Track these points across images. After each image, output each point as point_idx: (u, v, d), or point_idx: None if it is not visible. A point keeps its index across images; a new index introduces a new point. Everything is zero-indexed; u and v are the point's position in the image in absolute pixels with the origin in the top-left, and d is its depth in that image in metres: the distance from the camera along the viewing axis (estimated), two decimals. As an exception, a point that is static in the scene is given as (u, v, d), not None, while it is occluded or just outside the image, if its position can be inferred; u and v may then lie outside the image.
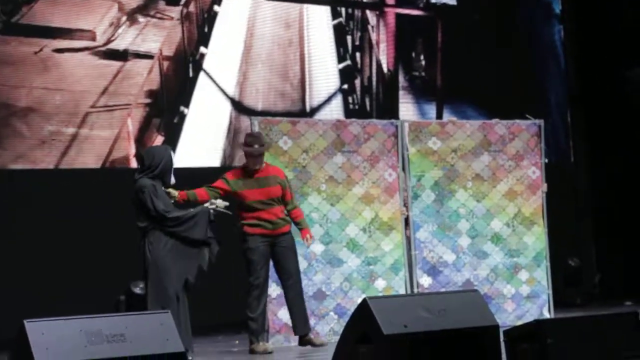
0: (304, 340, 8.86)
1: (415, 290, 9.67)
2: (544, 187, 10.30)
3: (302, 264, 9.32)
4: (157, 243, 8.03)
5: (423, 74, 13.32)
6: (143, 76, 11.57)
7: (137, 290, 10.60)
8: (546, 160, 10.44)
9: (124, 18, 11.54)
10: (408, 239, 9.82)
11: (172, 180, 8.24)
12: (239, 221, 8.72)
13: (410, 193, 9.84)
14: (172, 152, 8.34)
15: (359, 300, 7.15)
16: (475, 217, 10.12)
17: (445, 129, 10.12)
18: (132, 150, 11.42)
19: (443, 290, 9.73)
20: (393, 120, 10.13)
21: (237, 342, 9.63)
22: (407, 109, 13.07)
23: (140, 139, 11.47)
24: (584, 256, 13.55)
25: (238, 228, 8.73)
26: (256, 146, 8.71)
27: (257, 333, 8.68)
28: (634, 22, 13.83)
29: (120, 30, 11.49)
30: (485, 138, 10.23)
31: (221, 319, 10.74)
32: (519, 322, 9.39)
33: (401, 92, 13.11)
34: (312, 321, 9.31)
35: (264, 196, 8.71)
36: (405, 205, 9.80)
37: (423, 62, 13.31)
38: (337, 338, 6.54)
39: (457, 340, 5.90)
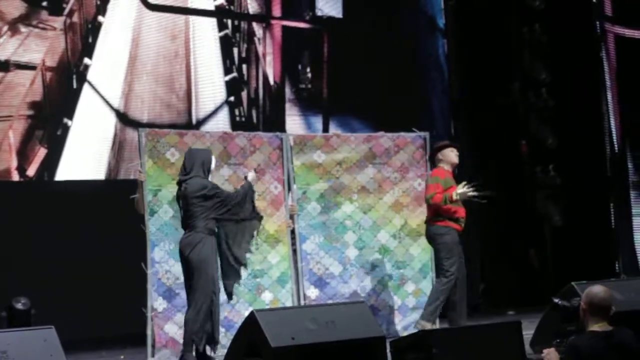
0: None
1: (302, 303, 9.67)
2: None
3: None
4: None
5: (309, 86, 13.34)
6: (25, 87, 11.35)
7: (19, 306, 10.36)
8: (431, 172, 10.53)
9: (6, 27, 11.31)
10: (294, 251, 9.83)
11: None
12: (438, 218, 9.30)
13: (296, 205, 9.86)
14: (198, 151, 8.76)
15: (246, 313, 7.15)
16: (362, 229, 10.18)
17: (329, 142, 10.17)
18: (14, 163, 11.17)
19: (330, 302, 9.75)
20: (278, 133, 10.14)
21: (122, 357, 9.48)
22: (293, 121, 13.08)
23: (23, 152, 11.23)
24: (469, 266, 13.70)
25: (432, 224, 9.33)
26: None
27: None
28: (512, 36, 14.14)
29: (1, 40, 11.26)
30: (370, 151, 10.30)
31: (105, 333, 10.55)
32: (405, 333, 9.46)
33: (288, 105, 13.11)
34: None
35: None
36: (292, 217, 9.82)
37: (309, 75, 13.34)
38: (224, 351, 6.52)
39: (344, 352, 5.92)
